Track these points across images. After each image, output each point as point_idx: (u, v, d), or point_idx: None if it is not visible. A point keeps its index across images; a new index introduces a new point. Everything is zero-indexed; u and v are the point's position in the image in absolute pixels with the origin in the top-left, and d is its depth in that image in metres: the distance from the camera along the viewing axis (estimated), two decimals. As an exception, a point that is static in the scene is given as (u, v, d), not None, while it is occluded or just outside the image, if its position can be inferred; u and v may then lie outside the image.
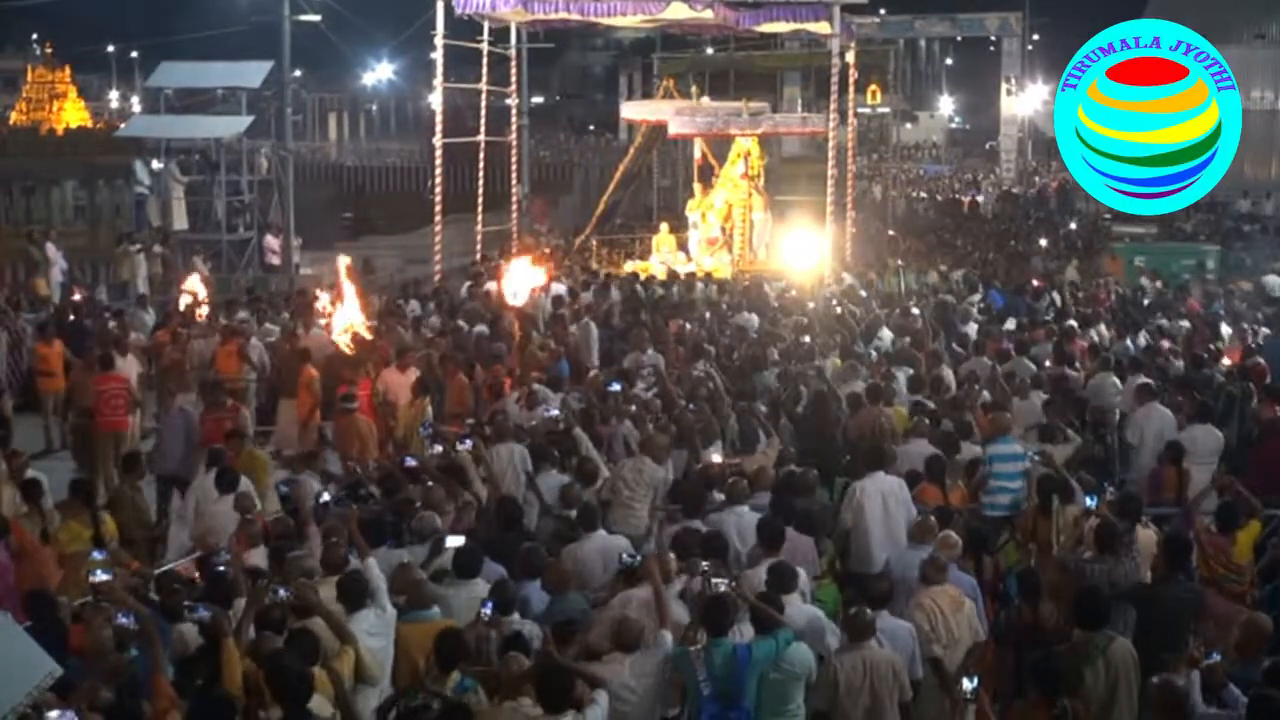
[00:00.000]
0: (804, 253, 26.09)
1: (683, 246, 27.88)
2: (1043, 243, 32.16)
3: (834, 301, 20.63)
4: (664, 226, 28.43)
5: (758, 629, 8.04)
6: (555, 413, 12.67)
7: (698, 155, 29.56)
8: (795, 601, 8.71)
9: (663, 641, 7.93)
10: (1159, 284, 24.01)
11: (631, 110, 32.03)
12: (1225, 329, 18.59)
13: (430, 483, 10.68)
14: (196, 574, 9.47)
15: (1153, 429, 13.11)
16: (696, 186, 28.79)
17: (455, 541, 9.11)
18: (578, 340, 17.80)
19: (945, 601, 8.82)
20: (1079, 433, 12.92)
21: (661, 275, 24.49)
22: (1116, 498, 10.75)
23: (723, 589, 8.09)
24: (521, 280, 20.28)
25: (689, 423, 12.56)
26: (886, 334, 17.67)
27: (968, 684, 7.32)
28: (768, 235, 27.69)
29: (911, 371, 14.81)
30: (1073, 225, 37.52)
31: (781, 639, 7.96)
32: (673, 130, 28.35)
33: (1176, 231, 33.28)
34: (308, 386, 15.30)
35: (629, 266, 26.55)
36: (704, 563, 8.67)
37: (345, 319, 16.43)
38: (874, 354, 16.40)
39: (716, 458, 11.77)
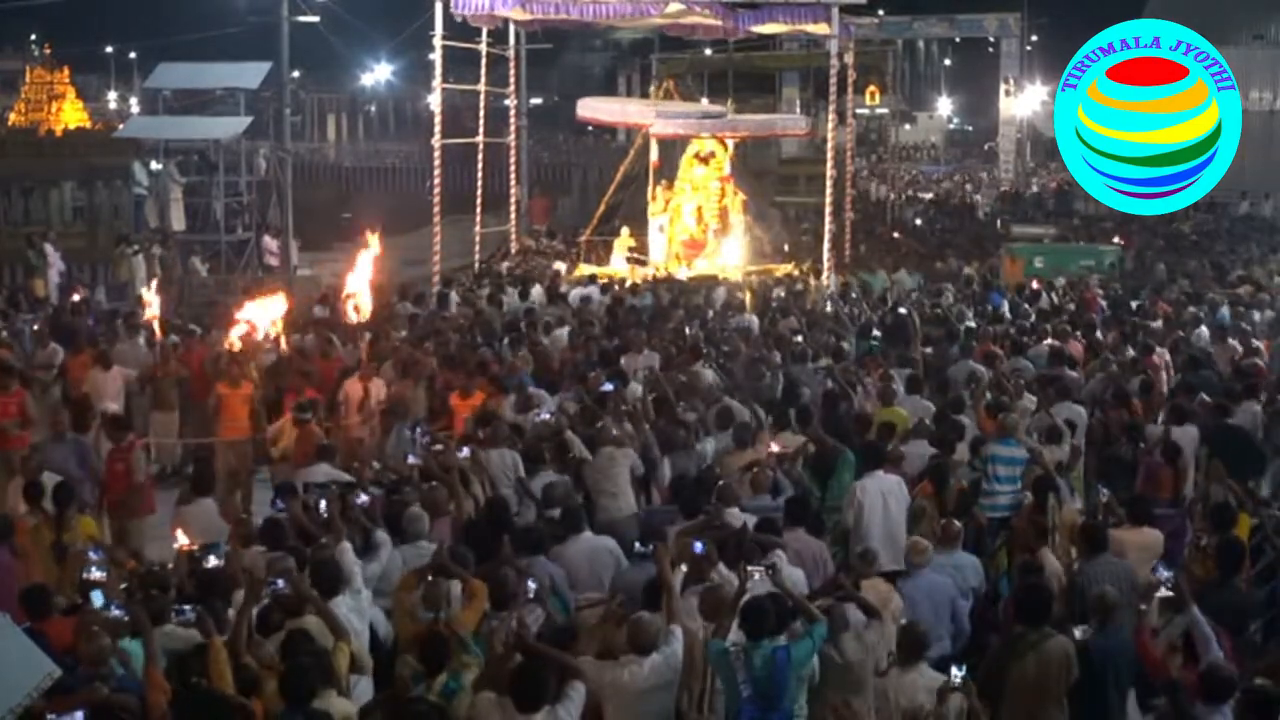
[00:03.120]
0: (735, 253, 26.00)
1: (642, 250, 27.38)
2: None
3: (829, 301, 20.69)
4: (624, 230, 27.97)
5: (753, 630, 7.98)
6: (547, 416, 12.69)
7: (654, 158, 28.92)
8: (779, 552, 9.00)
9: (673, 638, 7.83)
10: (1062, 282, 23.76)
11: (587, 108, 31.73)
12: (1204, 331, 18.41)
13: (432, 484, 10.68)
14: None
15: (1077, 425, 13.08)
16: (659, 189, 28.12)
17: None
18: (548, 350, 17.02)
19: (874, 597, 8.85)
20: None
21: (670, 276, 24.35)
22: (1116, 499, 10.75)
23: (757, 577, 8.08)
24: (363, 291, 18.84)
25: (684, 423, 12.62)
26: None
27: (956, 671, 7.29)
28: (744, 237, 27.50)
29: (910, 372, 14.82)
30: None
31: (817, 635, 7.95)
32: (656, 130, 28.22)
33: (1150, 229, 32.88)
34: (245, 401, 14.60)
35: (586, 270, 26.03)
36: (755, 567, 8.47)
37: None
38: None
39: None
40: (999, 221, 37.83)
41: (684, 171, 27.76)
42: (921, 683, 7.80)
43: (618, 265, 26.65)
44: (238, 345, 16.07)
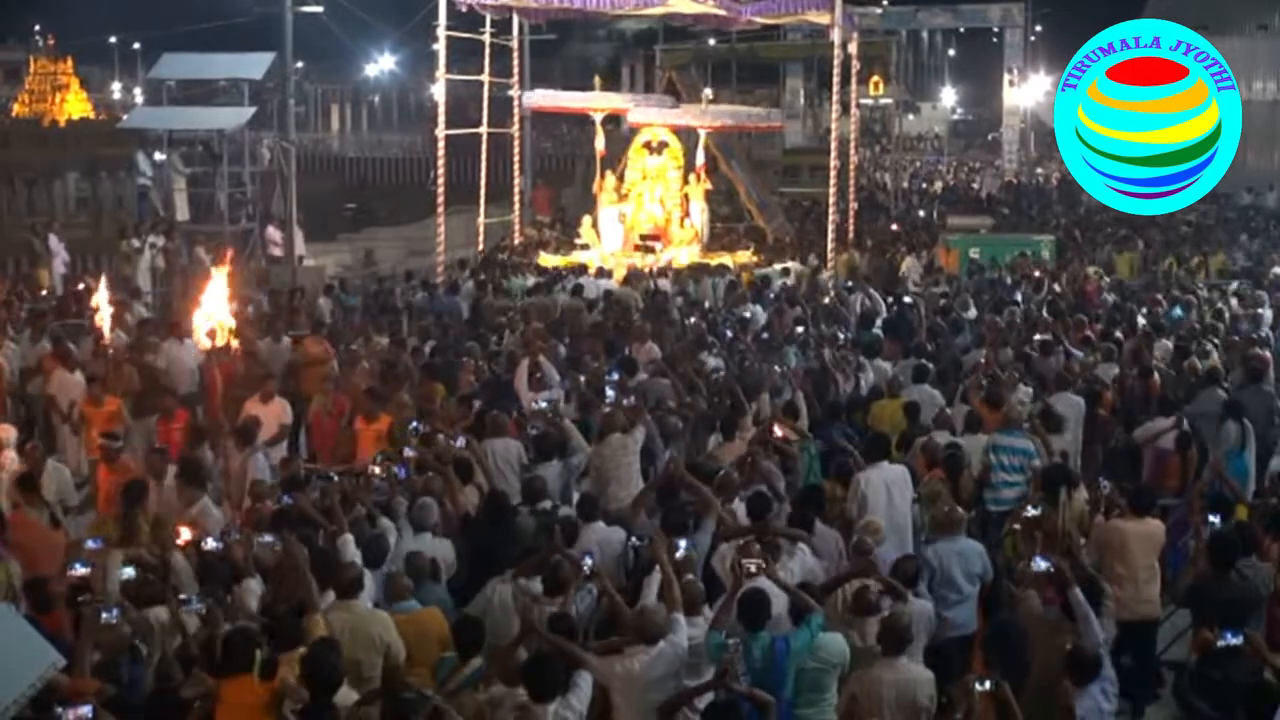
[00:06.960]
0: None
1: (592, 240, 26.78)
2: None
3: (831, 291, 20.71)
4: (587, 220, 27.49)
5: (751, 621, 7.95)
6: (545, 405, 12.69)
7: (600, 147, 28.27)
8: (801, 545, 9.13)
9: (677, 626, 7.83)
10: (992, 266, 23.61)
11: (534, 99, 31.41)
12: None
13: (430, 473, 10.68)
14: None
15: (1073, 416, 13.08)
16: (611, 178, 27.34)
17: None
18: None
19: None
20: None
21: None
22: (1119, 489, 10.73)
23: (753, 569, 8.07)
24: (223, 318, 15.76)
25: (690, 415, 12.62)
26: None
27: (979, 687, 7.13)
28: (705, 227, 27.24)
29: (917, 362, 14.77)
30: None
31: (815, 624, 7.94)
32: (632, 119, 28.03)
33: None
34: (110, 420, 13.11)
35: (550, 260, 25.57)
36: (750, 561, 8.42)
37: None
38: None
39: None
40: (934, 213, 37.65)
41: (634, 161, 27.32)
42: (908, 677, 7.69)
43: (582, 254, 26.35)
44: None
